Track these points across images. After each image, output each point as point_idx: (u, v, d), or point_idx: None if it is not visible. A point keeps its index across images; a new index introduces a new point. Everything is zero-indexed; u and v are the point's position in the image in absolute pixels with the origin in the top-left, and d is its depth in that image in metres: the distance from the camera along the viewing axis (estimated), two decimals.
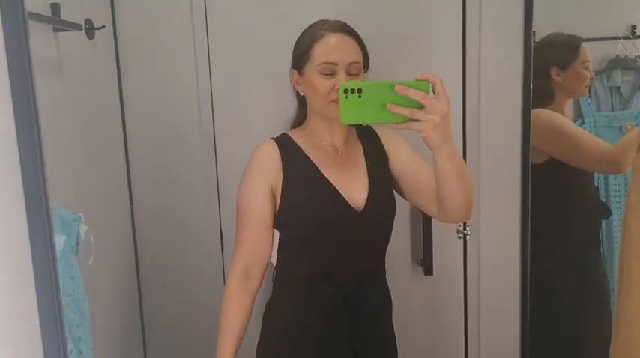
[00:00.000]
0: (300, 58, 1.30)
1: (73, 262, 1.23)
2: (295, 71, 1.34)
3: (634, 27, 2.05)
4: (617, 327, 1.29)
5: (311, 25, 1.32)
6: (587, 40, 2.01)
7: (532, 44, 1.86)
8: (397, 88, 1.04)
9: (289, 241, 1.33)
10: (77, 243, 1.25)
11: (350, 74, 1.26)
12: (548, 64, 1.99)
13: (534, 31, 1.87)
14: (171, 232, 1.93)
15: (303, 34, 1.33)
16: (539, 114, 1.95)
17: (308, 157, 1.33)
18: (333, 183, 1.30)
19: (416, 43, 1.87)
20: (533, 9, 1.81)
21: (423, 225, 1.89)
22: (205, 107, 1.88)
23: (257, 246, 1.33)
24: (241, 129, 1.88)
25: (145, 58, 1.86)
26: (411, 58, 1.87)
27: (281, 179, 1.31)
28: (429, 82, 1.06)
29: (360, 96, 1.06)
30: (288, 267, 1.36)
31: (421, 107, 1.05)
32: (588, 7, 2.07)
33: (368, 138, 1.41)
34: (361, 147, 1.39)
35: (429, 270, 1.91)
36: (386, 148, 1.40)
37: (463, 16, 1.84)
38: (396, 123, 1.07)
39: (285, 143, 1.36)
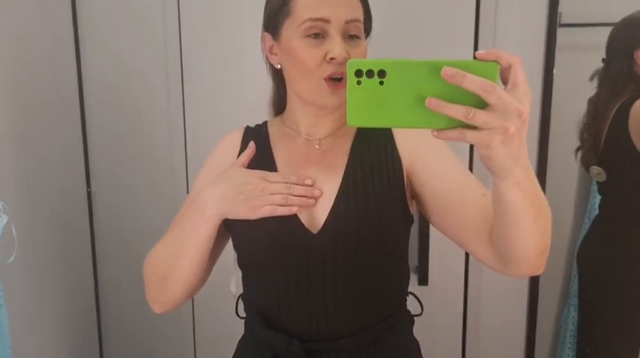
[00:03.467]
0: (276, 14, 0.95)
1: None
2: (268, 34, 0.99)
3: None
4: None
5: None
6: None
7: (557, 26, 1.68)
8: (445, 70, 0.61)
9: (241, 267, 1.05)
10: None
11: (348, 37, 0.92)
12: (631, 46, 1.75)
13: (560, 12, 1.69)
14: (132, 225, 1.78)
15: None
16: None
17: (271, 151, 1.02)
18: None
19: (422, 20, 1.66)
20: None
21: (419, 227, 1.68)
22: (174, 83, 1.70)
23: None
24: (214, 115, 1.71)
25: (108, 23, 1.68)
26: (415, 38, 1.66)
27: None
28: (497, 64, 0.62)
29: (381, 83, 0.64)
30: (244, 301, 1.08)
31: (484, 105, 0.62)
32: None
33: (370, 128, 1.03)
34: (352, 138, 1.01)
35: (423, 280, 1.72)
36: (401, 149, 0.99)
37: None
38: (438, 130, 0.65)
39: (254, 133, 1.07)
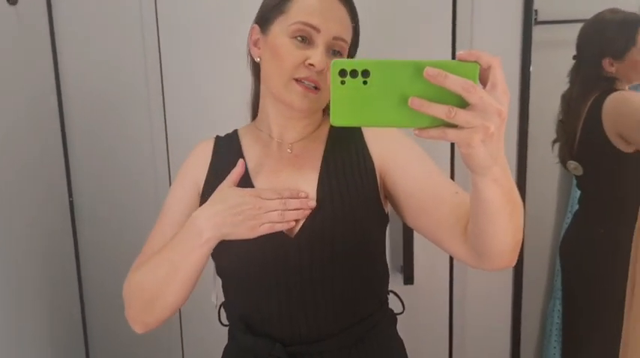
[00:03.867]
0: (271, 10, 0.96)
1: None
2: (257, 27, 0.99)
3: None
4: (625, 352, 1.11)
5: None
6: None
7: (532, 24, 1.69)
8: (428, 70, 0.62)
9: (220, 276, 1.05)
10: None
11: (331, 51, 0.94)
12: (599, 54, 1.78)
13: (536, 9, 1.69)
14: (115, 232, 1.74)
15: None
16: (625, 96, 1.74)
17: (243, 158, 1.01)
18: None
19: (399, 20, 1.66)
20: None
21: (403, 226, 1.67)
22: (154, 91, 1.67)
23: None
24: (195, 119, 1.68)
25: (85, 29, 1.64)
26: (392, 37, 1.65)
27: (202, 187, 1.03)
28: (478, 65, 0.64)
29: (365, 83, 0.65)
30: (226, 309, 1.09)
31: (464, 105, 0.63)
32: None
33: (344, 129, 0.99)
34: (324, 142, 1.02)
35: (409, 279, 1.70)
36: (372, 151, 1.00)
37: None
38: (420, 129, 0.65)
39: (225, 142, 1.08)
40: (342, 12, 0.95)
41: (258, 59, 1.00)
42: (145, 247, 1.01)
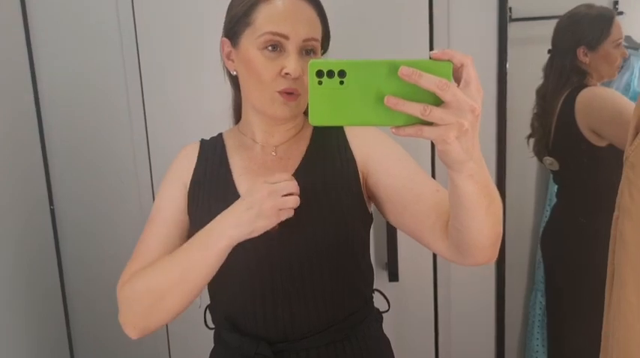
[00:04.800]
0: (236, 23, 0.95)
1: None
2: (227, 40, 0.99)
3: None
4: (606, 349, 1.11)
5: None
6: None
7: (508, 21, 1.71)
8: (402, 70, 0.63)
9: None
10: None
11: (304, 52, 0.94)
12: (574, 44, 1.80)
13: (510, 7, 1.72)
14: (98, 241, 1.73)
15: None
16: (596, 91, 1.77)
17: (227, 162, 1.03)
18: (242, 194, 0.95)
19: (377, 21, 1.67)
20: None
21: (386, 223, 1.69)
22: (134, 98, 1.66)
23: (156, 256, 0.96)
24: (176, 125, 1.67)
25: (63, 37, 1.62)
26: (370, 38, 1.66)
27: (188, 189, 1.03)
28: (451, 64, 0.65)
29: (342, 83, 0.66)
30: (211, 311, 1.08)
31: (439, 102, 0.65)
32: None
33: (326, 130, 1.03)
34: (306, 144, 1.03)
35: (393, 275, 1.72)
36: (355, 151, 1.01)
37: None
38: (396, 127, 0.67)
39: (210, 145, 1.07)
40: (308, 11, 0.94)
41: (235, 72, 1.00)
42: (137, 249, 0.99)
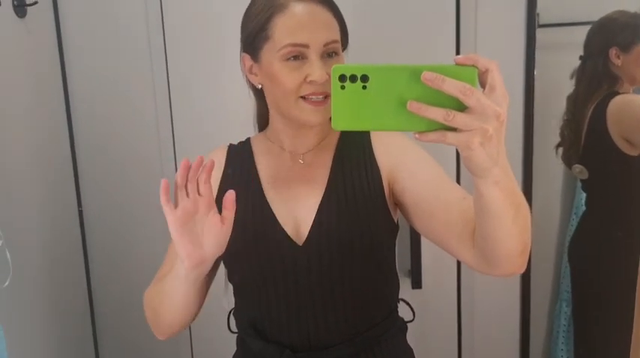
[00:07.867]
0: (254, 37, 0.95)
1: None
2: (247, 55, 0.98)
3: None
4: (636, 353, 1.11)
5: None
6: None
7: (536, 27, 1.69)
8: (425, 74, 0.63)
9: (231, 282, 1.06)
10: None
11: (327, 55, 0.93)
12: (606, 45, 1.78)
13: (538, 13, 1.70)
14: (124, 237, 1.75)
15: (253, 2, 0.97)
16: (628, 99, 1.75)
17: (256, 168, 1.02)
18: (273, 203, 0.98)
19: (404, 26, 1.66)
20: None
21: (410, 230, 1.67)
22: (162, 102, 1.68)
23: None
24: (203, 128, 1.69)
25: (93, 43, 1.65)
26: (396, 43, 1.66)
27: (215, 195, 0.99)
28: (476, 69, 0.64)
29: (364, 87, 0.66)
30: (235, 316, 1.09)
31: (462, 108, 0.64)
32: None
33: (351, 137, 1.02)
34: (333, 151, 1.02)
35: (417, 283, 1.71)
36: (379, 160, 1.01)
37: None
38: (419, 132, 0.66)
39: (238, 150, 1.07)
40: (323, 14, 0.93)
41: (260, 85, 1.00)
42: (166, 255, 1.02)
